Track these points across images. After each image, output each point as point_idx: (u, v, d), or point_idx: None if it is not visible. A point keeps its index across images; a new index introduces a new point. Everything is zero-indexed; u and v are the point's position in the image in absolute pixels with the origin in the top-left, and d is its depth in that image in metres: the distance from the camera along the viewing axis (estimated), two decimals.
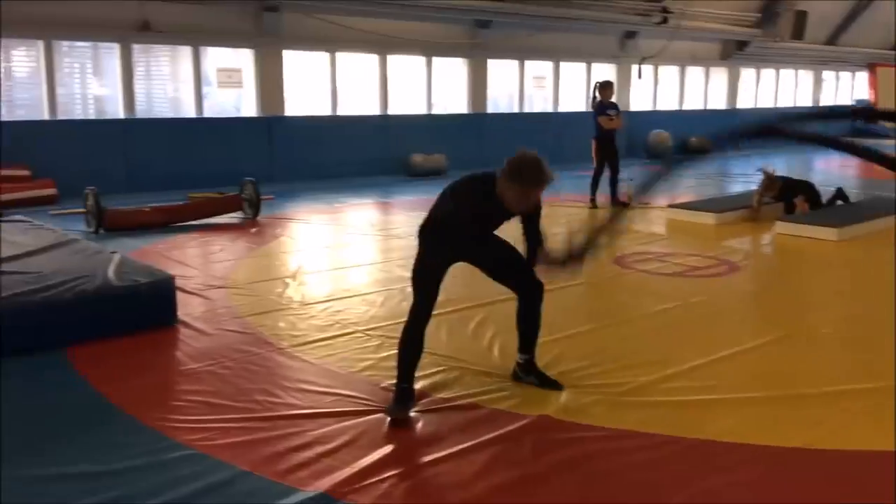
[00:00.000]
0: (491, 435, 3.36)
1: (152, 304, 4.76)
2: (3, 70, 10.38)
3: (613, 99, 10.12)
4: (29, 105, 10.76)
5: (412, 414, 3.57)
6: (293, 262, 6.88)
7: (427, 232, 3.72)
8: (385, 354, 4.36)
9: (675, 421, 3.49)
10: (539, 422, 3.50)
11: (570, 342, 4.60)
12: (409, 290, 5.68)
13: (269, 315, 5.20)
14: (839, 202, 9.22)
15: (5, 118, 10.30)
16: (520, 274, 3.80)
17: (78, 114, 11.27)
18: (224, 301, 5.52)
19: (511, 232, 3.82)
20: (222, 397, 3.80)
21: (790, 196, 8.78)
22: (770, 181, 8.77)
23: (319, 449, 3.23)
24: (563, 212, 9.77)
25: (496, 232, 3.81)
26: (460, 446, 3.25)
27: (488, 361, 4.28)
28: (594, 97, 9.99)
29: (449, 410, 3.64)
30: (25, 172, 9.80)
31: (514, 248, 3.79)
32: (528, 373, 3.92)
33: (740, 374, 4.10)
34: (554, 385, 3.86)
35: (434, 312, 5.12)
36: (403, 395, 3.61)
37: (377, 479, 2.98)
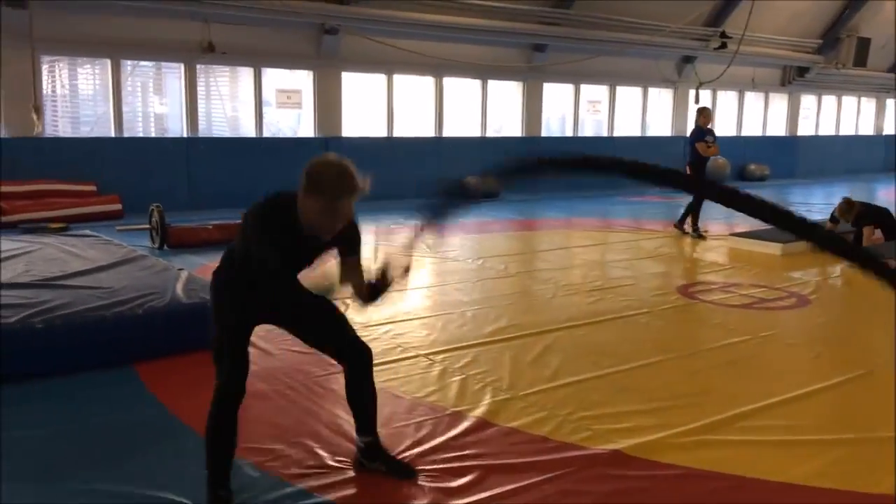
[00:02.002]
0: (561, 471, 3.26)
1: None
2: (58, 86, 10.68)
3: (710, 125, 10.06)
4: (92, 122, 11.05)
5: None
6: None
7: (220, 280, 2.95)
8: (450, 381, 4.33)
9: (754, 462, 3.36)
10: (611, 457, 3.40)
11: (637, 374, 4.49)
12: (469, 313, 5.78)
13: None
14: None
15: (71, 135, 10.60)
16: (340, 336, 3.08)
17: (139, 131, 11.56)
18: None
19: None
20: (289, 419, 3.79)
21: (862, 223, 8.45)
22: (848, 205, 8.50)
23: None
24: (630, 238, 9.63)
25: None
26: (530, 480, 3.17)
27: (554, 392, 4.19)
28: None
29: (518, 442, 3.56)
30: (92, 188, 10.05)
31: (333, 306, 3.10)
32: (374, 458, 3.20)
33: (821, 414, 3.94)
34: (406, 472, 3.19)
35: (494, 339, 5.15)
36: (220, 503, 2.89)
37: None
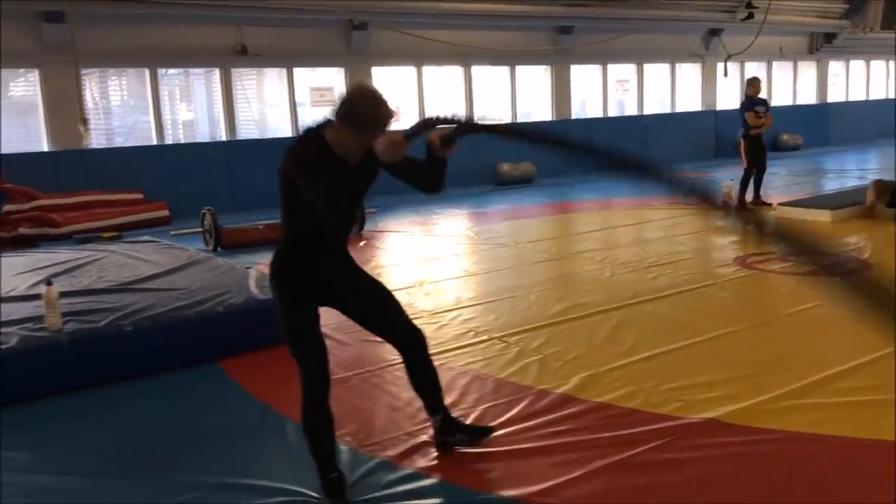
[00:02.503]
0: (661, 440, 3.30)
1: None
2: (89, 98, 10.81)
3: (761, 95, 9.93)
4: (124, 132, 11.16)
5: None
6: (410, 272, 6.96)
7: (276, 265, 2.96)
8: (529, 360, 4.39)
9: (851, 422, 3.37)
10: (708, 425, 3.43)
11: (715, 344, 4.52)
12: (532, 296, 5.82)
13: None
14: None
15: (106, 145, 10.74)
16: (394, 322, 3.15)
17: (168, 139, 11.61)
18: None
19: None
20: (382, 405, 3.86)
21: None
22: (881, 187, 8.43)
23: (504, 451, 3.26)
24: (667, 214, 9.61)
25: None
26: (632, 451, 3.22)
27: (636, 367, 4.22)
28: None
29: (611, 415, 3.60)
30: (139, 196, 10.20)
31: (387, 290, 3.18)
32: (452, 432, 3.30)
33: None
34: (484, 432, 3.39)
35: (563, 318, 5.19)
36: (336, 487, 2.94)
37: (553, 483, 2.99)
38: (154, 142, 11.16)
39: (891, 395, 3.62)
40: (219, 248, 8.10)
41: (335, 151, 2.80)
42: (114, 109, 11.27)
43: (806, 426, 3.35)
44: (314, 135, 2.82)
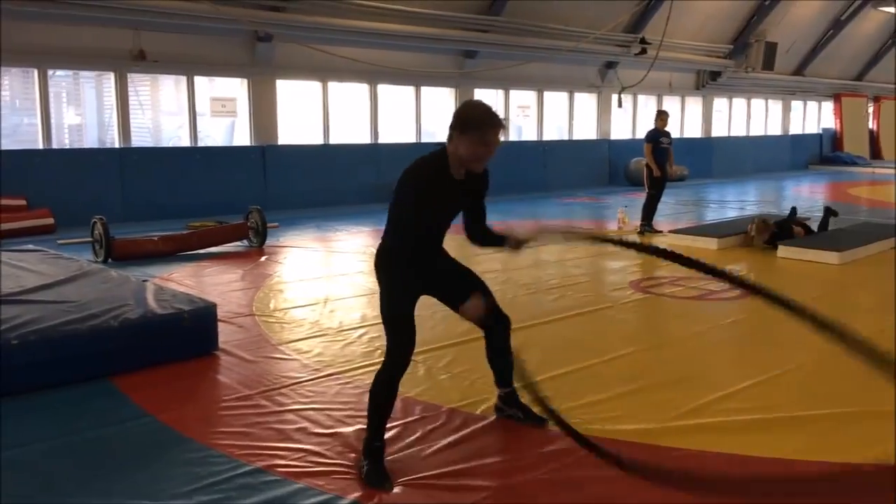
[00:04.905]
0: (569, 459, 3.37)
1: (196, 332, 4.71)
2: None
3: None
4: (9, 135, 10.52)
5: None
6: (313, 289, 6.85)
7: (384, 256, 3.35)
8: (437, 378, 4.40)
9: (746, 441, 3.55)
10: (608, 444, 3.53)
11: (611, 366, 4.66)
12: (438, 315, 5.83)
13: (306, 342, 5.18)
14: (832, 217, 9.55)
15: None
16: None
17: (55, 143, 11.01)
18: (257, 329, 5.48)
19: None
20: (289, 423, 3.77)
21: (785, 234, 8.89)
22: (764, 226, 8.95)
23: (405, 478, 3.23)
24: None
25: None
26: (535, 471, 3.27)
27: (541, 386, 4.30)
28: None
29: (518, 433, 3.65)
30: (22, 202, 9.62)
31: (479, 279, 3.57)
32: (512, 406, 3.75)
33: (794, 394, 4.19)
34: (537, 420, 3.67)
35: (469, 338, 5.23)
36: (379, 454, 3.25)
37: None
38: (40, 146, 10.56)
39: (780, 414, 3.85)
40: (109, 260, 7.72)
41: (451, 168, 3.19)
42: None
43: (704, 444, 3.49)
44: (437, 154, 3.22)
